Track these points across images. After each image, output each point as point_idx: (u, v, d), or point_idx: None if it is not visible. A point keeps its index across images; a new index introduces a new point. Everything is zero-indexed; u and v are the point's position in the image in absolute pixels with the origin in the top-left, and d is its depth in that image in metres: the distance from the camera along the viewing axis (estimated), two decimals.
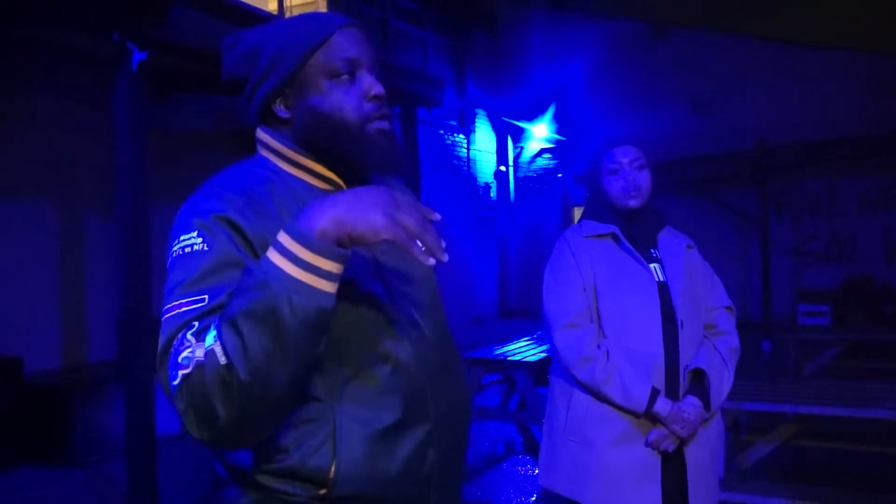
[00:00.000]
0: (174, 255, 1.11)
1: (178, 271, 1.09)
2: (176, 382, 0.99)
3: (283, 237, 0.99)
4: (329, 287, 0.98)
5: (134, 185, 4.01)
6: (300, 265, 0.97)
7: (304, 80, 1.21)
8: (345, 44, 1.22)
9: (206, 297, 1.04)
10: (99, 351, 6.17)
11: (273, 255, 0.98)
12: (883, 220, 10.78)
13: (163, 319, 1.06)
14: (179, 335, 1.02)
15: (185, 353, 0.99)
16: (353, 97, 1.21)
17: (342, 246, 0.99)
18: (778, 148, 10.23)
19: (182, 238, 1.11)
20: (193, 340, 1.00)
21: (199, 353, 0.98)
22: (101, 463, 4.98)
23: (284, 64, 1.21)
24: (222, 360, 0.96)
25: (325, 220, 0.98)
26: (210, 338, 0.98)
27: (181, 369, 0.99)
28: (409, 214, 0.99)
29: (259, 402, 0.98)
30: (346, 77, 1.21)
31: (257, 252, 1.11)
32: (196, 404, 0.98)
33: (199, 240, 1.09)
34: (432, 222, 1.03)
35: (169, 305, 1.06)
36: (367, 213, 0.98)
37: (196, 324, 1.02)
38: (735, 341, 2.21)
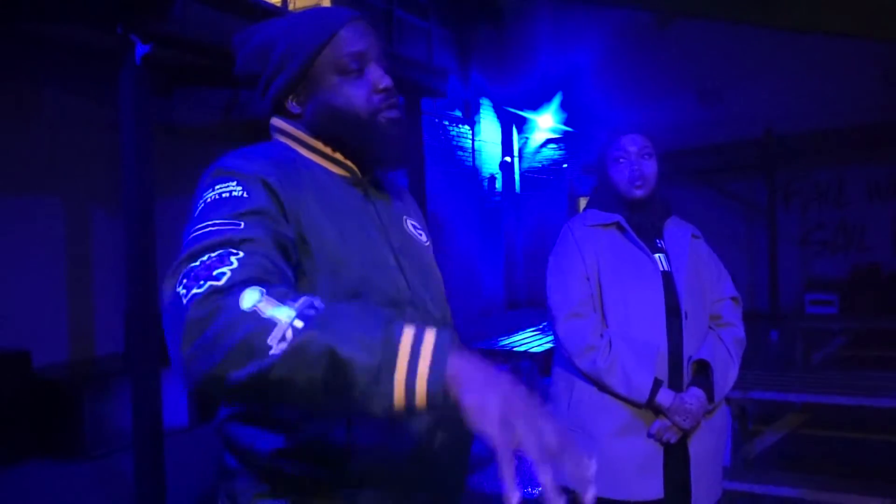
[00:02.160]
0: (207, 199, 1.06)
1: (213, 211, 1.04)
2: (199, 291, 0.89)
3: (427, 343, 0.87)
4: (400, 413, 0.87)
5: (140, 178, 4.00)
6: (408, 382, 0.85)
7: (314, 76, 1.24)
8: (352, 39, 1.25)
9: (242, 224, 1.01)
10: (106, 344, 6.19)
11: (404, 345, 0.87)
12: (891, 208, 10.72)
13: (189, 237, 0.99)
14: (218, 252, 0.95)
15: (222, 270, 0.92)
16: (362, 91, 1.24)
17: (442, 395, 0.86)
18: (786, 137, 10.18)
19: (218, 186, 1.08)
20: (237, 262, 0.93)
21: (261, 302, 0.87)
22: (108, 456, 5.00)
23: (294, 62, 1.24)
24: (287, 333, 0.85)
25: (457, 372, 0.87)
26: (289, 308, 0.87)
27: (212, 280, 0.90)
28: (530, 428, 0.83)
29: (250, 390, 0.88)
30: (355, 71, 1.24)
31: (289, 222, 1.09)
32: (204, 327, 0.87)
33: (239, 188, 1.08)
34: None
35: (199, 225, 1.01)
36: (491, 397, 0.85)
37: (242, 253, 0.95)
38: (741, 333, 2.19)
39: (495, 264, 12.75)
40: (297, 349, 0.85)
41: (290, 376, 0.86)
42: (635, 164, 2.15)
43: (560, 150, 13.29)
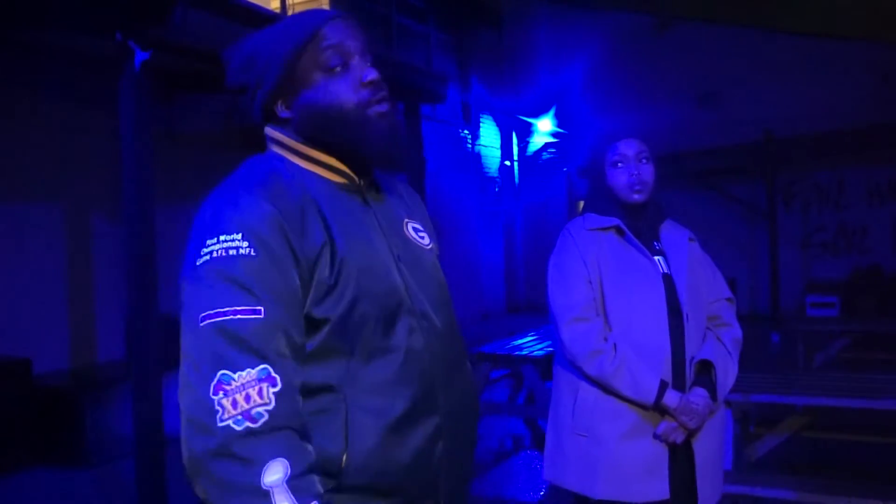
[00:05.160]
0: (214, 254, 1.08)
1: (222, 273, 1.07)
2: (238, 429, 1.01)
3: None
4: None
5: (140, 185, 4.01)
6: None
7: (298, 78, 1.23)
8: (331, 34, 1.23)
9: (262, 309, 1.05)
10: (108, 351, 6.19)
11: None
12: (892, 210, 10.72)
13: (213, 321, 1.05)
14: (258, 379, 1.04)
15: (259, 409, 1.02)
16: (347, 86, 1.22)
17: None
18: (785, 140, 10.17)
19: (223, 238, 1.09)
20: (273, 401, 1.04)
21: (278, 487, 1.00)
22: (110, 463, 5.00)
23: (275, 67, 1.22)
24: None
25: None
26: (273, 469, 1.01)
27: (249, 422, 1.01)
28: None
29: None
30: (339, 68, 1.22)
31: (297, 255, 1.11)
32: (226, 472, 1.01)
33: (245, 244, 1.08)
34: None
35: (221, 310, 1.05)
36: None
37: (279, 383, 1.05)
38: (738, 333, 2.22)
39: (495, 268, 12.75)
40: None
41: None
42: (634, 168, 2.15)
43: (559, 153, 13.30)
